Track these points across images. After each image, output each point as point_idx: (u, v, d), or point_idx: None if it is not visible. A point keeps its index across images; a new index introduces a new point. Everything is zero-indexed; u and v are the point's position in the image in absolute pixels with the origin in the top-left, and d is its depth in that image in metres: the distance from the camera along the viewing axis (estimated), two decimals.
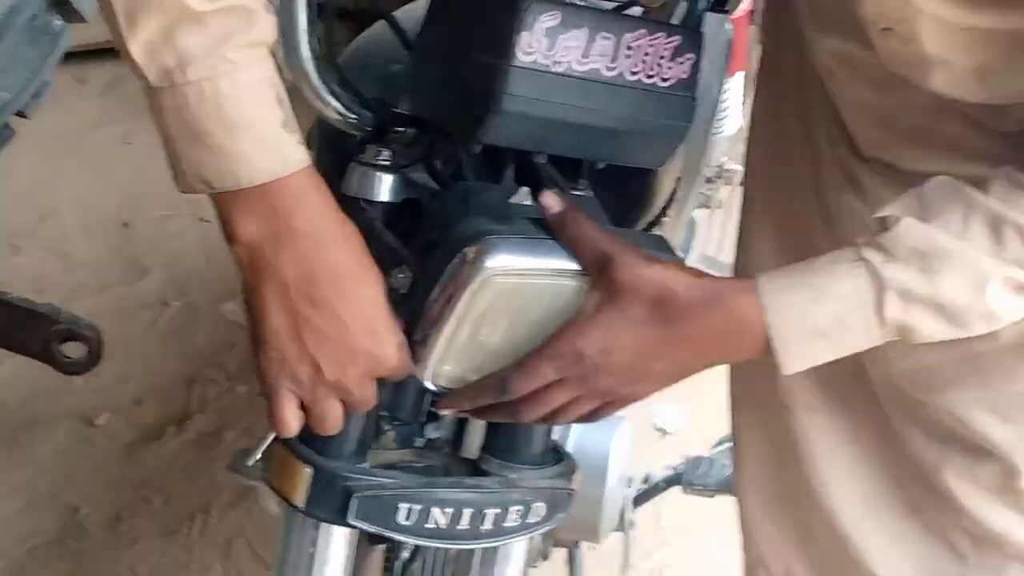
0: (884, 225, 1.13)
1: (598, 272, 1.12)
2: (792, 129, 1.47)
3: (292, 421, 1.11)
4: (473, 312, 1.13)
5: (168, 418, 2.61)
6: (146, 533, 2.41)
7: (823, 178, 1.42)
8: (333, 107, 1.21)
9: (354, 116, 1.23)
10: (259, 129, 1.04)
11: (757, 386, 1.51)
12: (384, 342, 1.11)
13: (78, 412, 2.60)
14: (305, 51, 1.17)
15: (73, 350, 2.33)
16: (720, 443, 2.18)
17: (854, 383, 1.41)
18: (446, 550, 1.63)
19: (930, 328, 1.13)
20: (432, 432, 1.38)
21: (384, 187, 1.22)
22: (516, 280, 1.12)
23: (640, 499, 2.08)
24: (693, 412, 2.58)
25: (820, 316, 1.12)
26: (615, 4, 1.29)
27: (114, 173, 3.17)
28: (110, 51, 2.79)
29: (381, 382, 1.15)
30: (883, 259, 1.11)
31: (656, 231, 1.57)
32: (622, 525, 1.95)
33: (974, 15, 1.10)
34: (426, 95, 1.24)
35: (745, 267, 1.53)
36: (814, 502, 1.48)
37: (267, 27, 1.04)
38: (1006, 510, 1.35)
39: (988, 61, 1.15)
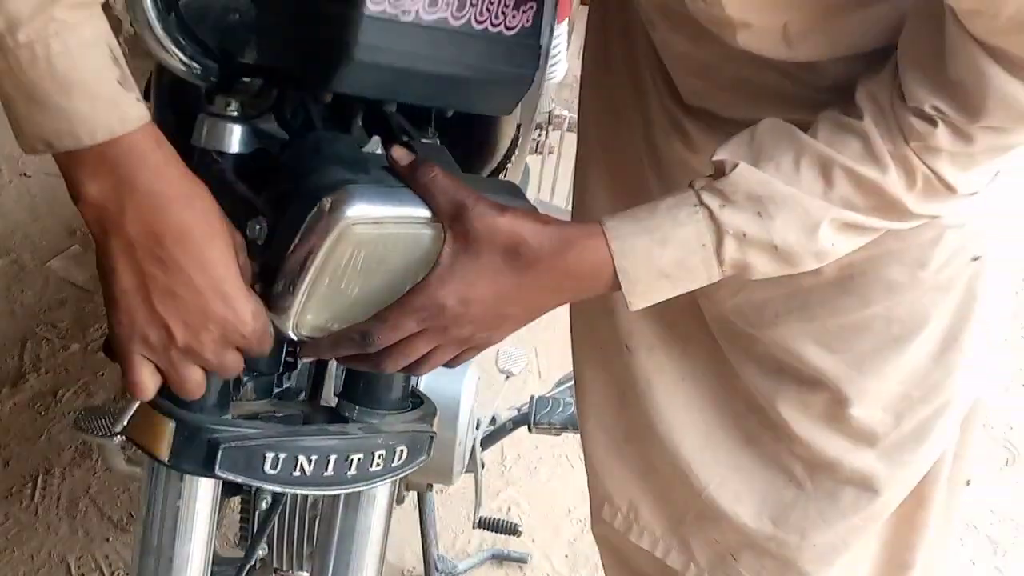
0: (720, 169, 1.17)
1: (452, 221, 1.13)
2: (621, 78, 1.49)
3: (148, 383, 1.10)
4: (333, 262, 1.12)
5: (1, 379, 2.55)
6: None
7: (652, 125, 1.45)
8: (178, 58, 1.18)
9: (199, 66, 1.20)
10: (94, 88, 1.02)
11: (597, 328, 1.53)
12: (238, 307, 1.10)
13: None
14: (148, 1, 1.14)
15: None
16: (561, 383, 2.22)
17: (689, 320, 1.45)
18: (305, 498, 1.64)
19: (765, 267, 1.18)
20: (288, 382, 1.39)
21: (234, 138, 1.21)
22: (374, 229, 1.12)
23: (488, 440, 2.12)
24: (536, 354, 2.61)
25: (664, 259, 1.16)
26: None
27: None
28: None
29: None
30: (720, 204, 1.15)
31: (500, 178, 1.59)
32: (472, 466, 1.99)
33: None
34: (274, 45, 1.23)
35: (582, 212, 1.56)
36: (656, 437, 1.51)
37: None
38: (837, 437, 1.40)
39: (790, 23, 1.18)
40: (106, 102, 1.02)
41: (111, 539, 2.30)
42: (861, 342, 1.37)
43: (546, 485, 2.49)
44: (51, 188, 2.97)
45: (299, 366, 1.41)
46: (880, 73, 1.17)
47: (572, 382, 2.20)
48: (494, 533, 2.26)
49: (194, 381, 1.11)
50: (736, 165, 1.15)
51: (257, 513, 1.62)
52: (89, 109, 1.01)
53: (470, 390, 1.88)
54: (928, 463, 1.43)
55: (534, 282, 1.16)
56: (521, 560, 2.35)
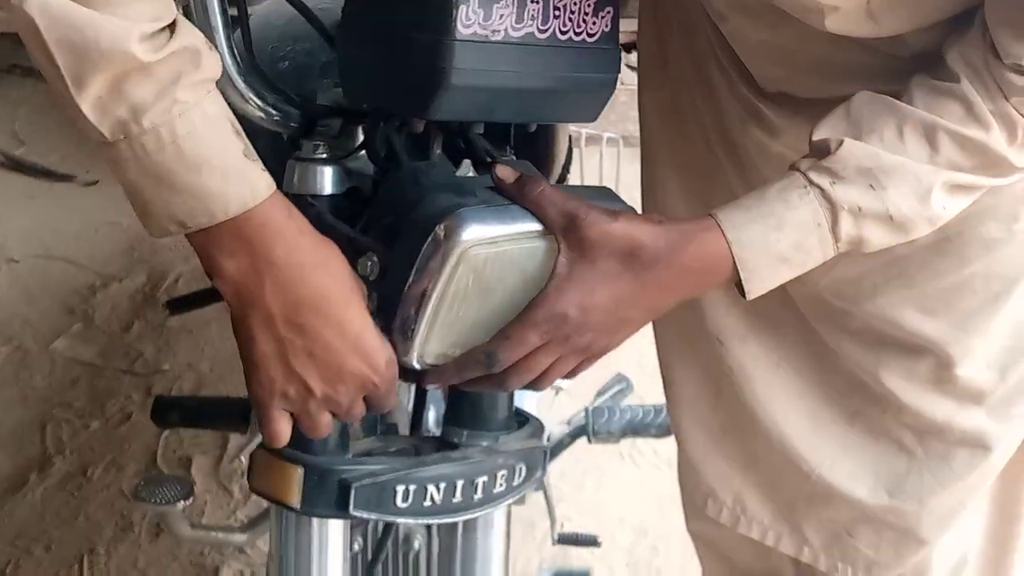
0: (824, 148, 1.18)
1: (566, 232, 1.14)
2: (683, 73, 1.50)
3: (284, 433, 1.14)
4: (453, 287, 1.13)
5: (28, 465, 2.53)
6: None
7: (724, 117, 1.45)
8: (260, 107, 1.20)
9: (280, 114, 1.22)
10: (222, 162, 1.03)
11: (684, 324, 1.54)
12: (373, 360, 1.12)
13: None
14: (227, 56, 1.16)
15: None
16: (604, 391, 2.23)
17: (779, 306, 1.45)
18: (417, 533, 1.63)
19: (880, 239, 1.19)
20: (390, 416, 1.41)
21: (327, 180, 1.23)
22: (491, 249, 1.13)
23: (550, 456, 2.11)
24: None
25: (782, 243, 1.17)
26: None
27: None
28: None
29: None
30: (831, 181, 1.16)
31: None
32: (540, 484, 1.98)
33: None
34: (361, 83, 1.24)
35: (655, 210, 1.56)
36: (759, 427, 1.51)
37: (214, 63, 1.04)
38: (945, 399, 1.41)
39: (873, 3, 1.19)
40: (236, 175, 1.04)
41: None
42: (963, 302, 1.38)
43: (595, 496, 2.50)
44: (42, 270, 2.96)
45: (399, 400, 1.41)
46: (968, 35, 1.19)
47: (617, 388, 2.23)
48: (575, 547, 2.25)
49: (326, 424, 1.15)
50: (841, 142, 1.16)
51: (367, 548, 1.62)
52: (220, 184, 1.03)
53: (532, 408, 1.89)
54: None
55: (654, 283, 1.17)
56: (584, 575, 2.33)
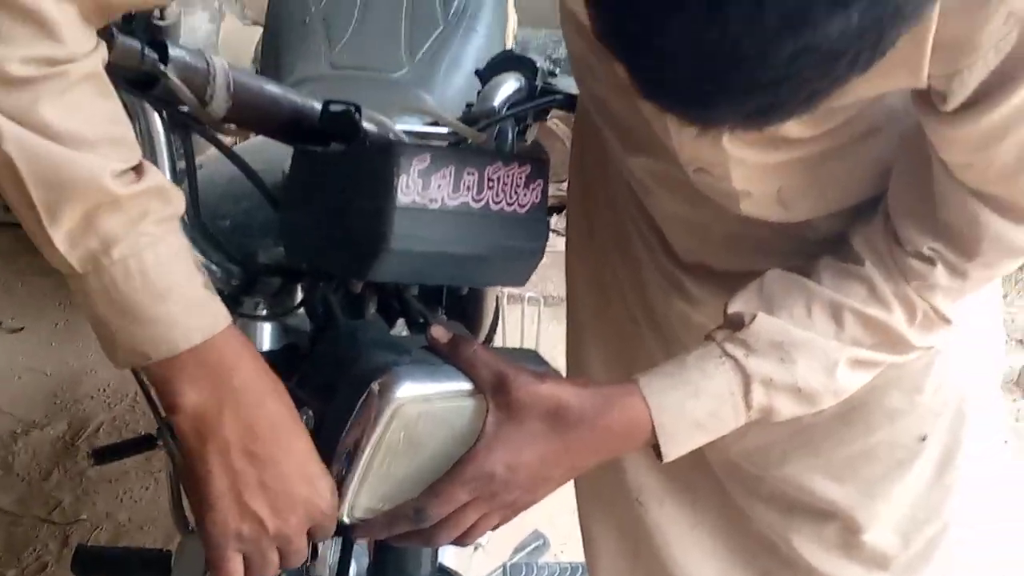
0: (738, 321, 1.21)
1: (495, 392, 1.15)
2: (607, 244, 1.53)
3: (236, 573, 1.11)
4: (385, 443, 1.14)
5: None
6: None
7: (646, 287, 1.49)
8: (205, 266, 1.19)
9: (222, 271, 1.24)
10: (186, 293, 1.04)
11: (605, 485, 1.54)
12: (320, 486, 1.11)
13: None
14: None
15: None
16: (521, 548, 2.19)
17: (695, 470, 1.47)
18: None
19: (790, 408, 1.22)
20: (315, 571, 1.38)
21: (266, 336, 1.26)
22: (423, 406, 1.14)
23: None
24: None
25: (698, 410, 1.19)
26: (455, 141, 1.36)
27: None
28: None
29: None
30: (744, 353, 1.19)
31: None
32: None
33: (769, 154, 1.20)
34: (303, 244, 1.26)
35: (579, 373, 1.57)
36: None
37: (180, 200, 1.06)
38: (852, 564, 1.43)
39: (785, 189, 1.25)
40: (198, 306, 1.05)
41: None
42: (868, 469, 1.41)
43: None
44: None
45: (322, 553, 1.39)
46: (872, 222, 1.24)
47: (533, 545, 2.22)
48: None
49: (274, 564, 1.12)
50: (755, 316, 1.20)
51: None
52: (183, 314, 1.03)
53: (452, 564, 1.88)
54: None
55: (577, 443, 1.18)
56: None
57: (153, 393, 1.12)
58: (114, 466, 2.59)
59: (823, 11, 0.76)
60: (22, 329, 3.13)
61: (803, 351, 1.20)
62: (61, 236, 1.00)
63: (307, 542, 1.14)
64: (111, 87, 1.04)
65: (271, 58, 2.02)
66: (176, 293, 1.04)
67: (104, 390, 3.00)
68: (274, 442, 1.09)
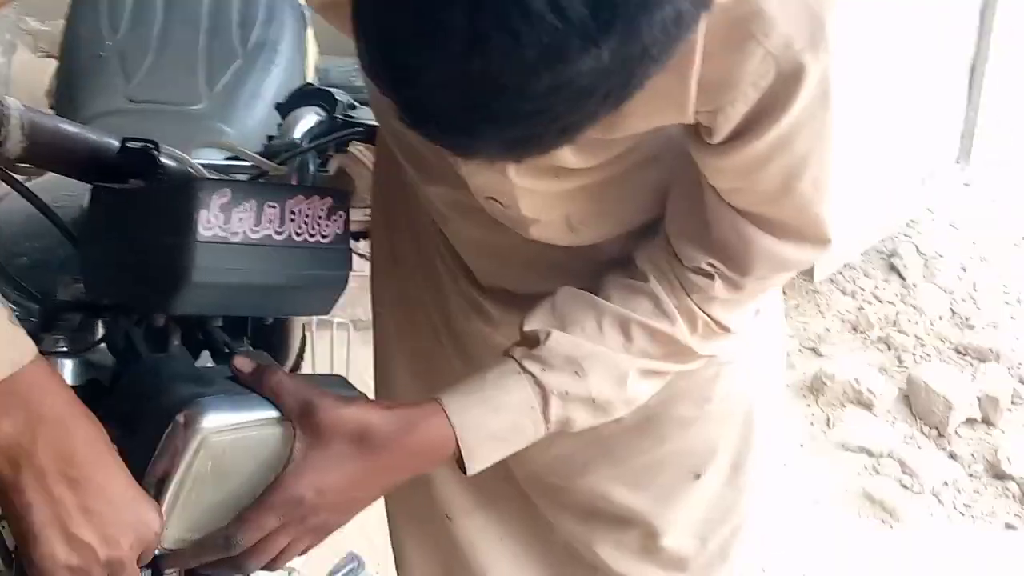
0: (534, 339, 1.25)
1: (301, 418, 1.16)
2: (410, 269, 1.55)
3: None
4: (193, 474, 1.13)
5: None
6: None
7: (449, 308, 1.51)
8: (1, 303, 1.15)
9: (20, 310, 1.22)
10: None
11: (415, 501, 1.55)
12: (146, 507, 1.10)
13: None
14: None
15: None
16: (336, 571, 2.17)
17: (502, 482, 1.49)
18: None
19: (584, 419, 1.25)
20: None
21: (67, 373, 1.23)
22: (230, 435, 1.14)
23: None
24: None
25: (499, 424, 1.22)
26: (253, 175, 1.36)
27: None
28: None
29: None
30: (541, 368, 1.23)
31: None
32: None
33: (553, 183, 1.23)
34: (103, 281, 1.25)
35: (387, 393, 1.58)
36: None
37: None
38: (652, 567, 1.47)
39: (572, 214, 1.29)
40: (5, 340, 1.03)
41: None
42: (663, 477, 1.45)
43: None
44: None
45: None
46: (654, 242, 1.29)
47: (348, 567, 2.20)
48: None
49: None
50: (549, 333, 1.24)
51: None
52: None
53: None
54: None
55: (384, 464, 1.20)
56: None
57: None
58: None
59: (576, 48, 0.79)
60: None
61: (595, 364, 1.24)
62: None
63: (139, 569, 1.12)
64: None
65: (66, 92, 1.99)
66: None
67: None
68: (92, 466, 1.07)
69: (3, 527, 1.11)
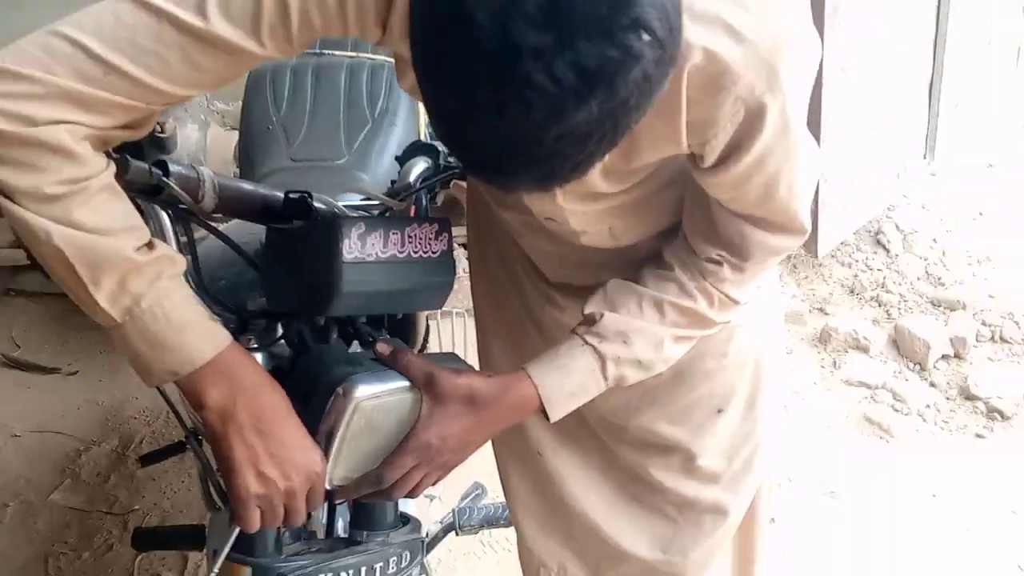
0: (592, 319, 1.26)
1: (426, 387, 1.18)
2: (498, 272, 1.56)
3: (255, 522, 1.12)
4: (351, 430, 1.16)
5: None
6: None
7: (528, 299, 1.52)
8: None
9: (221, 320, 1.24)
10: (197, 325, 1.07)
11: (514, 443, 1.55)
12: (314, 454, 1.13)
13: None
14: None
15: None
16: (466, 495, 2.16)
17: (577, 426, 1.49)
18: None
19: (633, 375, 1.27)
20: (311, 526, 1.38)
21: (258, 361, 1.27)
22: (375, 401, 1.17)
23: (429, 547, 2.11)
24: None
25: (570, 384, 1.24)
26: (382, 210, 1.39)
27: None
28: None
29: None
30: (599, 341, 1.25)
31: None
32: (422, 567, 1.99)
33: (592, 205, 1.25)
34: (279, 295, 1.29)
35: (488, 363, 1.59)
36: (572, 512, 1.53)
37: (182, 261, 1.09)
38: (692, 482, 1.48)
39: (612, 225, 1.31)
40: (207, 332, 1.08)
41: None
42: (695, 414, 1.46)
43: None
44: (39, 440, 2.90)
45: (311, 516, 1.36)
46: (676, 241, 1.30)
47: (474, 494, 2.22)
48: None
49: (280, 516, 1.14)
50: (603, 314, 1.26)
51: None
52: (196, 339, 1.06)
53: (413, 511, 1.90)
54: (754, 489, 1.52)
55: (487, 417, 1.22)
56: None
57: (179, 407, 1.15)
58: (156, 467, 2.59)
59: (572, 107, 0.82)
60: (77, 372, 3.12)
61: (639, 335, 1.26)
62: (103, 297, 1.03)
63: (306, 504, 1.15)
64: (121, 192, 1.06)
65: (245, 156, 2.02)
66: (190, 325, 1.06)
67: (144, 412, 2.98)
68: (275, 422, 1.11)
69: (219, 473, 1.15)
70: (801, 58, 1.06)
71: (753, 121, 1.06)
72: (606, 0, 0.81)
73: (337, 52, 2.15)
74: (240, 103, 2.18)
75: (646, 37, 0.82)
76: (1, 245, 3.21)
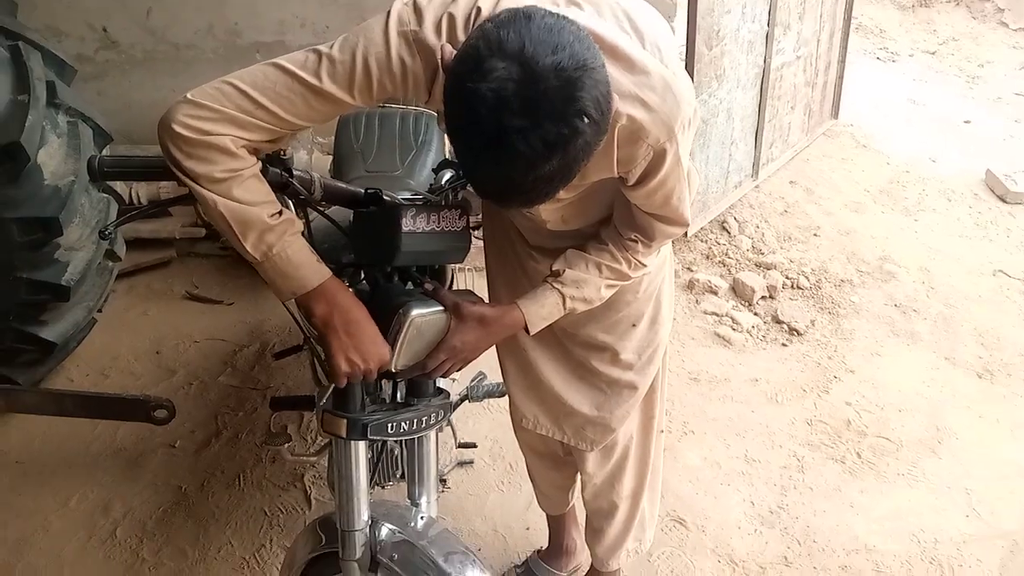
0: (558, 272, 1.24)
1: (453, 310, 1.17)
2: (500, 238, 1.50)
3: (344, 381, 1.11)
4: (408, 336, 1.15)
5: (209, 435, 2.42)
6: (222, 482, 2.26)
7: (520, 255, 1.47)
8: None
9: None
10: (308, 264, 1.05)
11: (509, 344, 1.51)
12: (383, 347, 1.12)
13: (164, 443, 2.38)
14: None
15: (161, 414, 2.19)
16: (475, 379, 2.08)
17: (547, 332, 1.41)
18: (395, 445, 1.60)
19: (582, 307, 1.26)
20: (382, 393, 1.37)
21: None
22: (423, 319, 1.16)
23: (452, 409, 2.05)
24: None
25: (544, 312, 1.23)
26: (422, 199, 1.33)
27: (143, 330, 2.91)
28: (126, 274, 2.55)
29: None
30: (561, 286, 1.23)
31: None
32: (448, 420, 1.95)
33: (554, 203, 1.22)
34: (363, 253, 1.25)
35: (495, 296, 1.53)
36: (543, 384, 1.49)
37: (300, 223, 1.06)
38: (616, 369, 1.45)
39: (564, 215, 1.27)
40: (315, 269, 1.05)
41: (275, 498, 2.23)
42: (619, 327, 1.43)
43: (472, 427, 2.44)
44: (210, 345, 2.84)
45: (381, 387, 1.36)
46: (608, 227, 1.27)
47: (479, 378, 2.12)
48: (465, 448, 2.16)
49: (359, 379, 1.12)
50: (564, 271, 1.23)
51: (376, 456, 1.59)
52: (308, 273, 1.04)
53: (444, 386, 1.90)
54: (653, 374, 1.49)
55: (492, 331, 1.21)
56: (469, 461, 2.26)
57: (298, 315, 1.11)
58: (283, 361, 2.52)
59: (541, 162, 0.83)
60: (233, 303, 3.06)
61: (586, 284, 1.24)
62: (249, 245, 1.02)
63: (376, 375, 1.14)
64: (264, 179, 1.04)
65: (337, 168, 1.97)
66: (304, 265, 1.04)
67: (275, 327, 2.92)
68: (358, 326, 1.09)
69: (323, 359, 1.13)
70: (687, 117, 1.04)
71: (658, 159, 1.05)
72: (561, 97, 0.82)
73: (393, 105, 2.10)
74: (332, 137, 2.13)
75: (586, 120, 0.83)
76: (185, 224, 3.15)
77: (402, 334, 1.14)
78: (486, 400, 2.14)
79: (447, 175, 1.45)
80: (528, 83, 0.81)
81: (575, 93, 0.82)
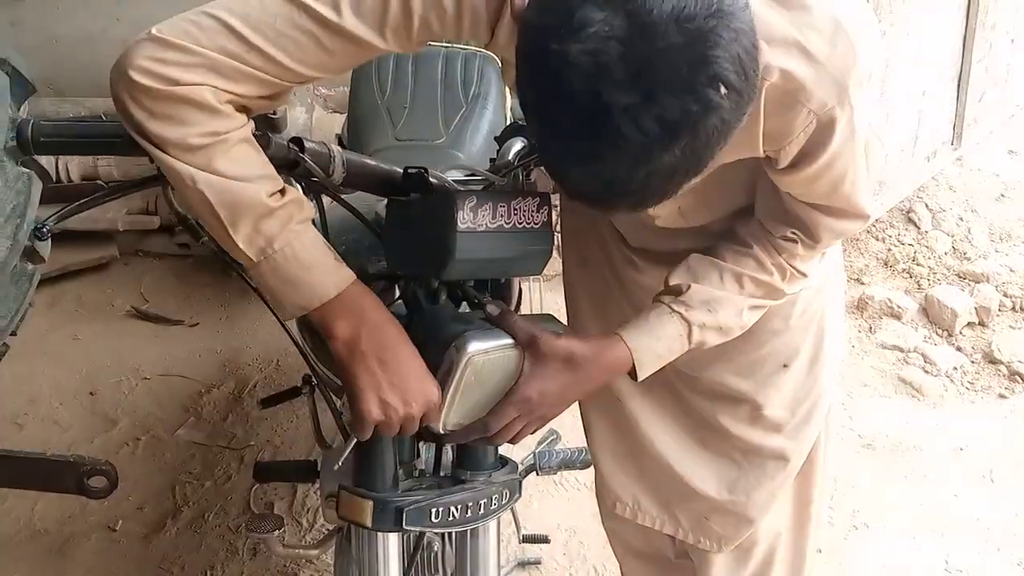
0: (678, 289, 1.25)
1: (529, 346, 1.17)
2: (588, 237, 1.53)
3: (369, 432, 1.13)
4: (463, 381, 1.16)
5: (164, 514, 2.49)
6: None
7: (613, 262, 1.50)
8: None
9: None
10: (323, 264, 1.07)
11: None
12: (431, 386, 1.13)
13: (101, 524, 2.46)
14: None
15: (97, 482, 2.25)
16: (543, 440, 2.15)
17: (654, 375, 1.42)
18: (435, 537, 1.63)
19: (713, 339, 1.26)
20: (420, 464, 1.39)
21: None
22: (485, 356, 1.16)
23: None
24: None
25: (660, 348, 1.23)
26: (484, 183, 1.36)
27: (72, 360, 3.02)
28: (49, 280, 2.65)
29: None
30: (685, 309, 1.23)
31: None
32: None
33: None
34: (399, 260, 1.28)
35: (576, 323, 1.56)
36: (647, 452, 1.52)
37: (310, 207, 1.09)
38: (758, 430, 1.46)
39: (681, 206, 1.28)
40: (333, 270, 1.08)
41: None
42: (763, 369, 1.44)
43: (539, 510, 2.49)
44: (166, 383, 2.95)
45: (420, 455, 1.40)
46: (750, 222, 1.29)
47: (550, 439, 2.16)
48: (532, 543, 2.22)
49: (395, 432, 1.15)
50: (689, 285, 1.24)
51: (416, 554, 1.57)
52: (323, 277, 1.07)
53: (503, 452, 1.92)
54: (812, 439, 1.50)
55: (584, 377, 1.21)
56: (536, 562, 2.30)
57: (305, 341, 1.13)
58: (268, 409, 2.63)
59: (658, 151, 0.84)
60: (198, 324, 3.15)
61: (722, 304, 1.25)
62: (241, 239, 1.04)
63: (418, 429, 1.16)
64: (258, 146, 1.07)
65: (354, 135, 2.01)
66: (318, 265, 1.07)
67: (256, 359, 3.01)
68: (396, 354, 1.11)
69: (344, 403, 1.15)
70: (867, 70, 1.05)
71: (824, 131, 1.05)
72: (686, 60, 0.82)
73: (433, 43, 2.13)
74: (341, 88, 2.16)
75: (724, 90, 0.83)
76: (131, 211, 3.23)
77: (454, 378, 1.15)
78: (561, 472, 2.15)
79: (516, 146, 1.47)
80: (638, 41, 0.80)
81: (707, 52, 0.82)
